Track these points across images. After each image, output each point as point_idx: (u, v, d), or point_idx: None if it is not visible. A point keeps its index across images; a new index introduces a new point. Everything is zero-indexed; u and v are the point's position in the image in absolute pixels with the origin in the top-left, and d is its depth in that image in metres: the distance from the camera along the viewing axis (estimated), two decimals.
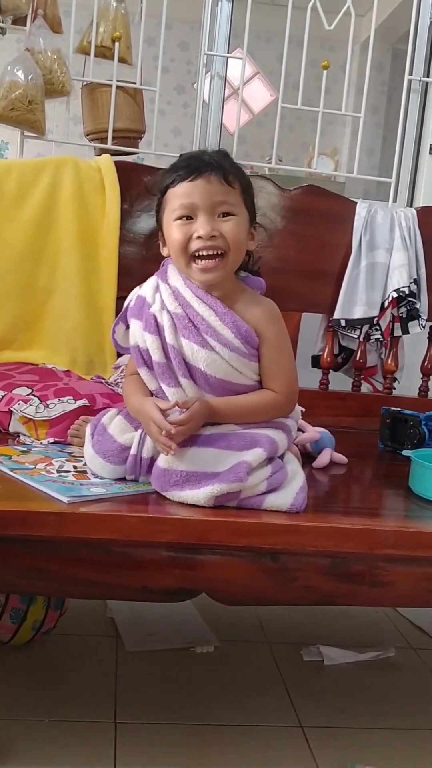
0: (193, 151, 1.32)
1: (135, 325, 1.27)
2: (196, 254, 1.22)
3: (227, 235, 1.21)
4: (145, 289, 1.30)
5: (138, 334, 1.26)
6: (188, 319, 1.23)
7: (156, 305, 1.25)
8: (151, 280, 1.31)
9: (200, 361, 1.21)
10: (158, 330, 1.23)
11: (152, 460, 1.20)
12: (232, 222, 1.22)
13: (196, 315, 1.23)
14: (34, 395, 1.47)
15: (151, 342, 1.23)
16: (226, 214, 1.22)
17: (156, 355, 1.23)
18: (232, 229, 1.22)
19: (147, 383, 1.26)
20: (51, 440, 1.40)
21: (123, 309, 1.32)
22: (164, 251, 1.31)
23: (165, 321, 1.23)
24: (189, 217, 1.22)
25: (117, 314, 1.75)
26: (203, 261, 1.22)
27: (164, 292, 1.26)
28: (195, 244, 1.21)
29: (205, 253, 1.21)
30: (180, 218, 1.22)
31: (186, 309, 1.23)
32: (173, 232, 1.23)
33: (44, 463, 1.26)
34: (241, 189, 1.25)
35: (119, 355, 1.77)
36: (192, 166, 1.22)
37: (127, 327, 1.30)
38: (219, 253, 1.22)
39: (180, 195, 1.22)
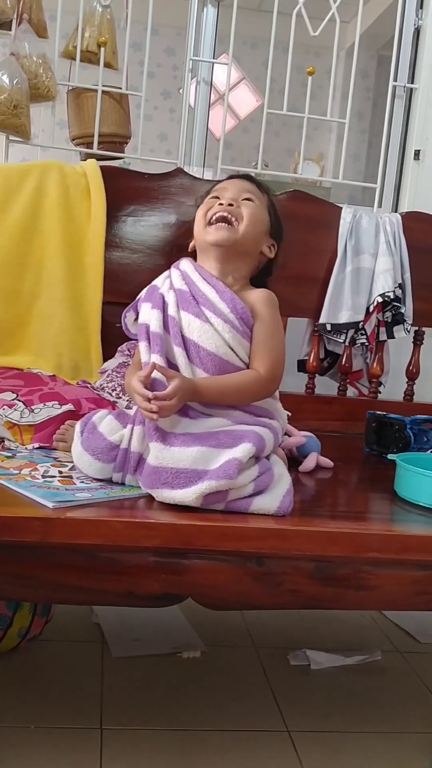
0: None
1: (145, 306, 1.34)
2: (213, 219, 1.36)
3: (244, 211, 1.37)
4: (158, 279, 1.39)
5: (146, 313, 1.32)
6: (190, 294, 1.32)
7: (165, 287, 1.35)
8: (165, 272, 1.40)
9: (194, 332, 1.28)
10: (163, 306, 1.31)
11: (141, 458, 1.21)
12: (252, 204, 1.39)
13: (198, 291, 1.32)
14: (19, 400, 1.46)
15: (154, 316, 1.30)
16: (248, 200, 1.39)
17: (153, 326, 1.29)
18: (250, 207, 1.38)
19: (142, 355, 1.30)
20: (36, 445, 1.40)
21: (135, 299, 1.40)
22: (191, 245, 1.44)
23: (170, 298, 1.32)
24: (217, 198, 1.39)
25: (102, 320, 1.78)
26: (218, 221, 1.35)
27: (174, 275, 1.36)
28: (214, 209, 1.37)
29: (221, 214, 1.35)
30: (208, 199, 1.40)
31: (191, 287, 1.33)
32: (200, 211, 1.39)
33: (29, 469, 1.26)
34: (268, 202, 1.43)
35: (105, 360, 1.77)
36: (229, 177, 1.46)
37: (136, 318, 1.36)
38: (234, 220, 1.35)
39: (216, 188, 1.43)
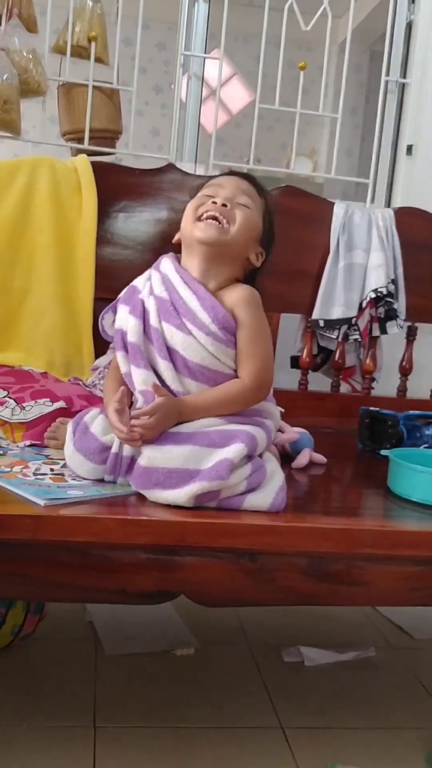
0: None
1: (122, 309, 1.29)
2: (204, 216, 1.30)
3: (237, 214, 1.30)
4: (138, 280, 1.34)
5: (123, 318, 1.28)
6: (171, 303, 1.26)
7: (145, 291, 1.30)
8: (146, 272, 1.35)
9: (178, 344, 1.24)
10: (143, 314, 1.27)
11: (133, 460, 1.20)
12: (246, 211, 1.32)
13: (178, 299, 1.26)
14: (10, 397, 1.45)
15: (132, 324, 1.26)
16: (243, 205, 1.32)
17: (132, 337, 1.25)
18: (243, 214, 1.31)
19: (121, 366, 1.27)
20: (27, 443, 1.39)
21: (114, 300, 1.35)
22: (175, 238, 1.37)
23: (151, 306, 1.27)
24: (210, 197, 1.32)
25: (94, 316, 1.77)
26: (209, 218, 1.29)
27: (154, 279, 1.30)
28: (206, 207, 1.30)
29: (212, 213, 1.29)
30: (202, 195, 1.33)
31: (171, 293, 1.27)
32: (190, 204, 1.33)
33: (20, 466, 1.25)
34: (264, 208, 1.37)
35: (97, 356, 1.76)
36: (226, 173, 1.39)
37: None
38: (225, 221, 1.29)
39: (212, 183, 1.36)
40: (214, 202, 1.29)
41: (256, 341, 1.27)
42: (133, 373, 1.25)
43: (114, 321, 1.32)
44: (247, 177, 1.38)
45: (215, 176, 1.40)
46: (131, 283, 1.34)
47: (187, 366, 1.24)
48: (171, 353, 1.24)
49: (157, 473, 1.14)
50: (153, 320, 1.25)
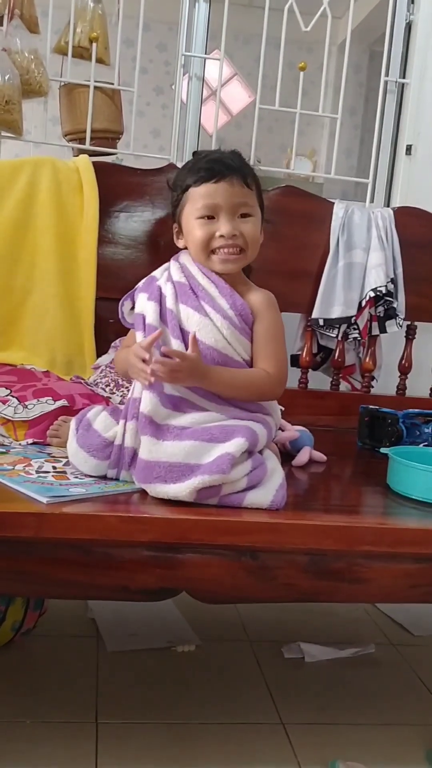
0: (211, 152, 1.38)
1: (142, 297, 1.33)
2: (218, 250, 1.31)
3: (246, 235, 1.31)
4: (156, 271, 1.38)
5: (142, 304, 1.32)
6: (189, 287, 1.31)
7: (162, 279, 1.34)
8: (165, 264, 1.38)
9: (193, 325, 1.27)
10: (160, 298, 1.30)
11: (135, 453, 1.21)
12: (251, 222, 1.32)
13: (197, 285, 1.31)
14: (13, 396, 1.46)
15: (150, 307, 1.29)
16: (245, 215, 1.31)
17: (149, 319, 1.28)
18: (250, 229, 1.32)
19: None
20: (30, 441, 1.40)
21: (132, 289, 1.38)
22: (180, 243, 1.38)
23: (168, 290, 1.31)
24: (211, 217, 1.30)
25: (96, 315, 1.78)
26: (225, 252, 1.30)
27: (173, 267, 1.35)
28: (217, 242, 1.30)
29: (226, 250, 1.30)
30: (202, 217, 1.30)
31: (189, 280, 1.32)
32: (195, 229, 1.31)
33: (23, 464, 1.26)
34: (256, 190, 1.35)
35: (98, 355, 1.77)
36: (215, 168, 1.30)
37: (132, 307, 1.35)
38: (239, 249, 1.31)
39: (203, 195, 1.30)
40: (222, 236, 1.29)
41: (278, 340, 1.32)
42: (153, 354, 1.25)
43: (132, 308, 1.35)
44: (235, 173, 1.30)
45: (197, 179, 1.31)
46: (150, 274, 1.37)
47: (198, 348, 1.25)
48: (184, 335, 1.27)
49: (158, 467, 1.15)
50: (170, 303, 1.29)
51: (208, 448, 1.16)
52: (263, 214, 1.37)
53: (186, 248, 1.37)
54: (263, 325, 1.31)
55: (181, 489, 1.13)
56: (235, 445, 1.16)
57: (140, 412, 1.21)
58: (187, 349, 1.24)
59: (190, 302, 1.29)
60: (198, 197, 1.30)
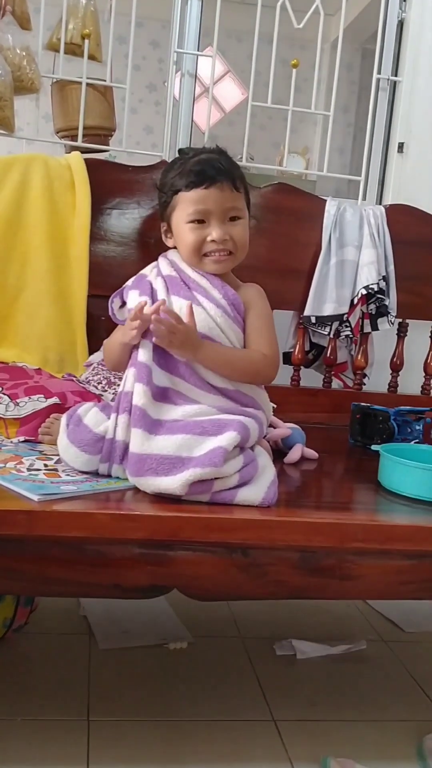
0: (198, 151, 1.37)
1: (133, 294, 1.33)
2: (210, 253, 1.33)
3: (236, 238, 1.34)
4: (146, 269, 1.39)
5: (134, 300, 1.32)
6: (180, 280, 1.33)
7: (152, 275, 1.35)
8: (154, 262, 1.40)
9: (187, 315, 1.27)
10: (151, 293, 1.32)
11: (127, 447, 1.21)
12: (240, 225, 1.35)
13: (188, 277, 1.34)
14: (5, 393, 1.46)
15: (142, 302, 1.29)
16: (234, 218, 1.34)
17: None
18: (240, 232, 1.34)
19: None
20: (21, 439, 1.40)
21: (122, 287, 1.38)
22: (169, 242, 1.40)
23: (159, 284, 1.33)
24: (201, 221, 1.32)
25: (88, 313, 1.78)
26: (216, 254, 1.33)
27: (162, 264, 1.37)
28: (209, 246, 1.33)
29: (218, 254, 1.33)
30: (193, 221, 1.32)
31: (180, 273, 1.34)
32: (185, 233, 1.33)
33: (14, 462, 1.26)
34: (244, 191, 1.37)
35: (91, 353, 1.77)
36: (205, 173, 1.31)
37: (122, 304, 1.36)
38: (229, 252, 1.34)
39: (194, 200, 1.32)
40: (213, 241, 1.31)
41: (270, 328, 1.36)
42: (141, 344, 1.26)
43: (121, 306, 1.36)
44: (224, 176, 1.31)
45: (187, 183, 1.32)
46: (139, 272, 1.38)
47: None
48: None
49: (150, 459, 1.16)
50: (161, 296, 1.31)
51: (199, 442, 1.17)
52: (249, 212, 1.39)
53: (175, 247, 1.38)
54: (256, 312, 1.35)
55: (173, 482, 1.13)
56: (228, 438, 1.16)
57: (133, 405, 1.21)
58: None
59: (182, 293, 1.31)
60: (188, 202, 1.32)
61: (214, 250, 1.32)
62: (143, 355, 1.24)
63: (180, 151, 1.41)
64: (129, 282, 1.37)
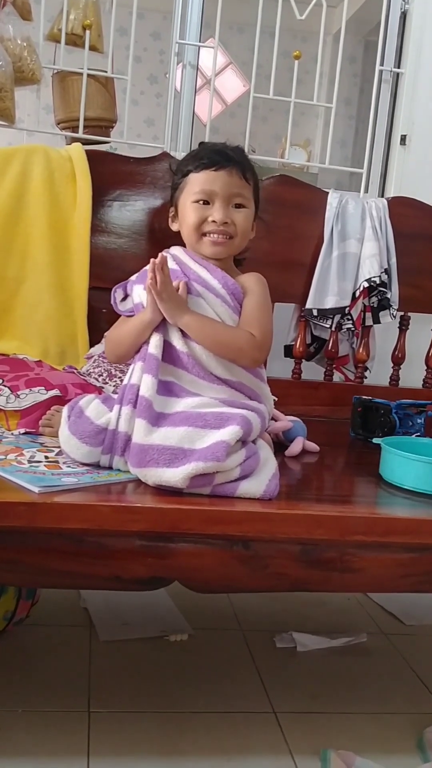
0: (216, 144, 1.43)
1: (138, 288, 1.36)
2: (208, 234, 1.36)
3: (237, 224, 1.37)
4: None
5: (138, 293, 1.35)
6: (182, 272, 1.35)
7: None
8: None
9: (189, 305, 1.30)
10: None
11: (129, 439, 1.21)
12: (243, 213, 1.37)
13: (189, 269, 1.36)
14: (5, 385, 1.46)
15: (145, 294, 1.31)
16: (238, 206, 1.37)
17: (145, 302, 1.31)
18: (242, 219, 1.37)
19: None
20: (22, 431, 1.39)
21: (125, 280, 1.41)
22: (174, 226, 1.44)
23: None
24: (206, 202, 1.36)
25: (89, 305, 1.78)
26: (214, 236, 1.36)
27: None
28: (209, 227, 1.36)
29: (216, 235, 1.36)
30: (198, 201, 1.36)
31: (182, 266, 1.37)
32: (189, 212, 1.37)
33: (15, 454, 1.26)
34: (254, 185, 1.41)
35: (91, 345, 1.77)
36: (216, 158, 1.36)
37: (124, 297, 1.39)
38: (228, 236, 1.36)
39: (202, 181, 1.36)
40: (214, 221, 1.34)
41: (263, 310, 1.36)
42: (152, 337, 1.29)
43: (123, 299, 1.40)
44: (235, 164, 1.36)
45: (198, 165, 1.37)
46: (143, 268, 1.38)
47: None
48: None
49: (152, 450, 1.16)
50: None
51: (201, 434, 1.17)
52: (257, 211, 1.42)
53: (179, 231, 1.41)
54: (253, 297, 1.36)
55: (175, 474, 1.13)
56: (230, 432, 1.16)
57: (140, 396, 1.22)
58: (183, 336, 1.29)
59: None
60: (196, 182, 1.36)
61: (214, 230, 1.35)
62: (154, 347, 1.27)
63: (200, 143, 1.48)
64: (133, 277, 1.40)
